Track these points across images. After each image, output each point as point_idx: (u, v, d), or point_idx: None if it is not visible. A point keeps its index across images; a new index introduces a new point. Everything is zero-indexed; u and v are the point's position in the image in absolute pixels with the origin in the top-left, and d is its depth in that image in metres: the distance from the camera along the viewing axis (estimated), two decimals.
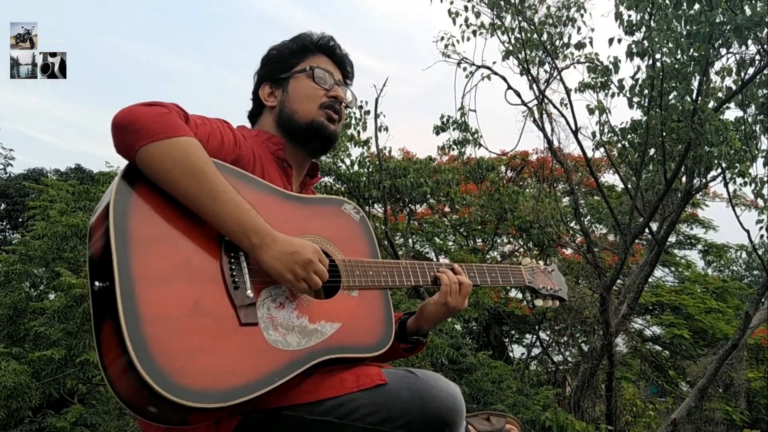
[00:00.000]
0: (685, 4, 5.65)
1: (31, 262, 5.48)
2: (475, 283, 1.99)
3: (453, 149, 8.58)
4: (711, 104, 6.27)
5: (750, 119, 6.42)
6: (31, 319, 5.09)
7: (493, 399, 6.83)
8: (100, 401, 5.21)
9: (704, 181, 7.25)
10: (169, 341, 1.32)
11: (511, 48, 7.39)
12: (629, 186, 7.68)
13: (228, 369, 1.37)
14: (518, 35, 7.34)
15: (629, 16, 6.21)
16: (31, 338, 4.97)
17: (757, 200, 7.37)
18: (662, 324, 12.01)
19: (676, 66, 6.07)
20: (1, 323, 5.12)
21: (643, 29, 6.11)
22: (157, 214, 1.44)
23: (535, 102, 7.59)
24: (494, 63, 7.75)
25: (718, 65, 6.37)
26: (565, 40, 7.40)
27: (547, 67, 7.48)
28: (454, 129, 8.19)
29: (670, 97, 6.25)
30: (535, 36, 7.31)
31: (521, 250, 12.52)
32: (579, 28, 7.27)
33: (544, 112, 7.56)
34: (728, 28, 5.45)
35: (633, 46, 5.97)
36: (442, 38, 7.83)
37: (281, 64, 1.90)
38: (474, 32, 7.49)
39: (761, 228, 6.93)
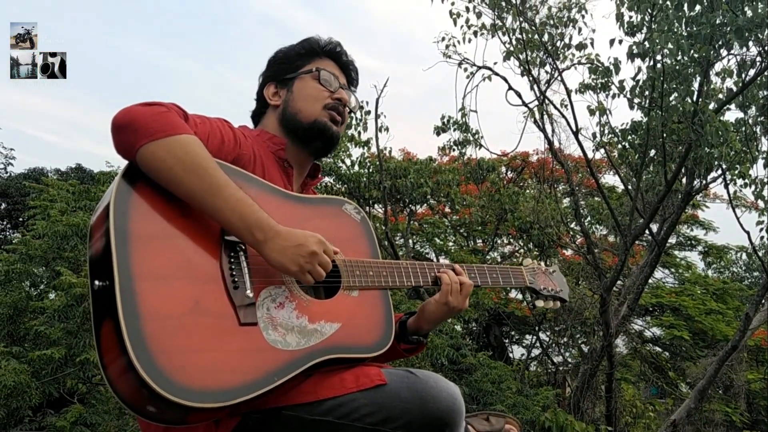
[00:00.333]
0: (686, 5, 5.65)
1: (31, 261, 5.49)
2: (476, 283, 1.99)
3: (453, 150, 8.58)
4: (712, 105, 6.27)
5: (750, 120, 6.42)
6: (32, 319, 5.10)
7: (492, 399, 6.84)
8: (100, 401, 5.21)
9: (705, 182, 7.25)
10: (169, 340, 1.32)
11: (512, 49, 7.39)
12: (629, 187, 7.68)
13: (227, 369, 1.37)
14: (519, 36, 7.34)
15: (630, 17, 6.21)
16: (31, 337, 4.98)
17: (757, 202, 7.37)
18: (662, 325, 12.00)
19: (677, 67, 6.07)
20: (2, 322, 5.13)
21: (644, 30, 6.11)
22: (157, 213, 1.44)
23: (536, 103, 7.60)
24: (495, 64, 7.75)
25: (718, 66, 6.37)
26: (566, 41, 7.40)
27: (548, 67, 7.48)
28: (454, 130, 8.20)
29: (671, 99, 6.24)
30: (536, 37, 7.31)
31: (521, 251, 12.52)
32: (580, 29, 7.28)
33: (544, 112, 7.56)
34: (729, 29, 5.44)
35: (634, 47, 5.97)
36: (443, 39, 7.84)
37: (287, 65, 1.92)
38: (475, 33, 7.49)
39: (761, 229, 6.93)
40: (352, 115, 2.22)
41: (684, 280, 13.56)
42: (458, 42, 7.74)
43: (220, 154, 1.59)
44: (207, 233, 1.50)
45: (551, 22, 7.37)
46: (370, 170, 9.63)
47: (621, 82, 6.64)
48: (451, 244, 13.19)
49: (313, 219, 1.72)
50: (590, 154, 7.59)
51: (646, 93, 6.46)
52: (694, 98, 6.12)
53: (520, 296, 11.98)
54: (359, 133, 8.42)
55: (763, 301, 7.36)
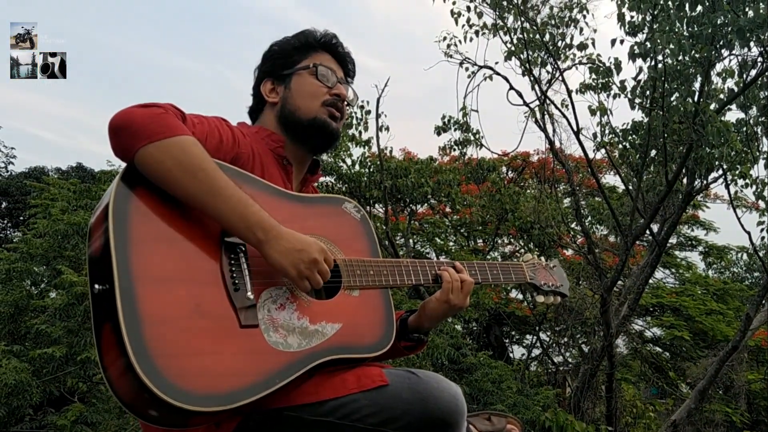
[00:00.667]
0: (687, 5, 5.64)
1: (32, 260, 5.49)
2: (477, 280, 1.98)
3: (454, 150, 8.58)
4: (713, 106, 6.26)
5: (751, 121, 6.42)
6: (33, 317, 5.10)
7: (493, 399, 6.83)
8: (101, 400, 5.21)
9: (705, 182, 7.25)
10: (170, 344, 1.31)
11: (513, 48, 7.39)
12: (630, 187, 7.68)
13: (229, 371, 1.36)
14: (520, 36, 7.34)
15: (632, 17, 6.21)
16: (32, 336, 4.98)
17: (758, 202, 7.38)
18: (663, 325, 12.00)
19: (678, 67, 6.06)
20: (3, 321, 5.13)
21: (646, 30, 6.10)
22: (156, 215, 1.43)
23: (537, 103, 7.60)
24: (496, 63, 7.74)
25: (719, 67, 6.37)
26: (568, 41, 7.41)
27: (549, 67, 7.48)
28: (455, 129, 8.19)
29: (672, 99, 6.24)
30: (537, 37, 7.30)
31: (522, 250, 12.51)
32: (581, 29, 7.28)
33: (545, 112, 7.55)
34: (730, 29, 5.44)
35: (635, 47, 5.96)
36: (445, 38, 7.83)
37: (284, 60, 1.89)
38: (476, 32, 7.48)
39: (762, 230, 6.93)
40: (353, 113, 2.21)
41: (684, 280, 13.56)
42: (459, 41, 7.75)
43: (219, 153, 1.58)
44: (207, 235, 1.49)
45: (552, 21, 7.37)
46: (371, 170, 9.63)
47: (622, 82, 6.65)
48: (451, 243, 13.19)
49: (313, 218, 1.71)
50: (591, 154, 7.60)
51: (647, 93, 6.46)
52: (696, 98, 6.12)
53: (520, 296, 11.99)
54: (360, 132, 8.41)
55: (764, 301, 7.36)
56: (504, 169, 12.77)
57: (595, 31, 7.23)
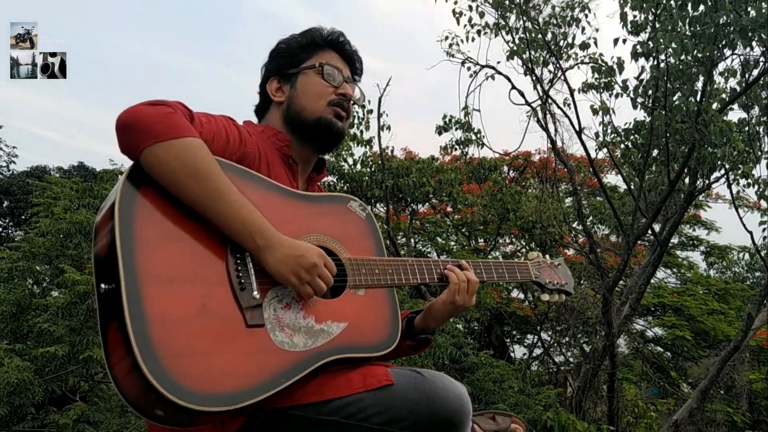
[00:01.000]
0: (690, 5, 5.64)
1: (34, 258, 5.49)
2: (482, 279, 1.98)
3: (455, 149, 8.57)
4: (715, 105, 6.25)
5: (753, 121, 6.41)
6: (35, 316, 5.10)
7: (494, 398, 6.83)
8: (102, 399, 5.22)
9: (707, 182, 7.24)
10: (176, 344, 1.31)
11: (515, 48, 7.38)
12: (632, 187, 7.67)
13: (235, 371, 1.36)
14: (522, 35, 7.32)
15: (634, 16, 6.20)
16: (34, 335, 4.98)
17: (760, 202, 7.37)
18: (664, 325, 11.99)
19: (681, 67, 6.06)
20: (5, 320, 5.13)
21: (648, 30, 6.09)
22: (162, 214, 1.43)
23: (539, 102, 7.58)
24: (498, 63, 7.72)
25: (722, 66, 6.36)
26: (570, 40, 7.38)
27: (551, 67, 7.46)
28: (456, 129, 8.18)
29: (675, 98, 6.23)
30: (539, 36, 7.29)
31: (523, 250, 12.51)
32: (583, 29, 7.25)
33: (547, 112, 7.54)
34: (733, 29, 5.44)
35: (638, 46, 5.95)
36: (446, 38, 7.82)
37: (290, 58, 1.89)
38: (478, 32, 7.47)
39: (764, 229, 6.92)
40: (354, 112, 2.20)
41: (686, 280, 13.55)
42: (461, 41, 7.73)
43: (226, 153, 1.58)
44: (213, 235, 1.48)
45: (554, 21, 7.36)
46: (372, 169, 9.63)
47: (624, 81, 6.63)
48: (452, 243, 13.18)
49: (319, 216, 1.71)
50: (593, 154, 7.59)
51: (650, 92, 6.45)
52: (698, 98, 6.11)
53: (521, 296, 11.98)
54: (361, 132, 8.41)
55: (765, 301, 7.34)
56: (505, 168, 12.77)
57: (597, 30, 7.27)
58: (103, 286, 1.34)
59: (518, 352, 13.32)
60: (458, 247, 12.77)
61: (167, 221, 1.44)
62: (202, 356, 1.34)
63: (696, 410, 7.59)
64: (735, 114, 6.95)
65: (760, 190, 6.59)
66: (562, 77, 7.39)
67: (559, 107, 7.51)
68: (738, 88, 6.26)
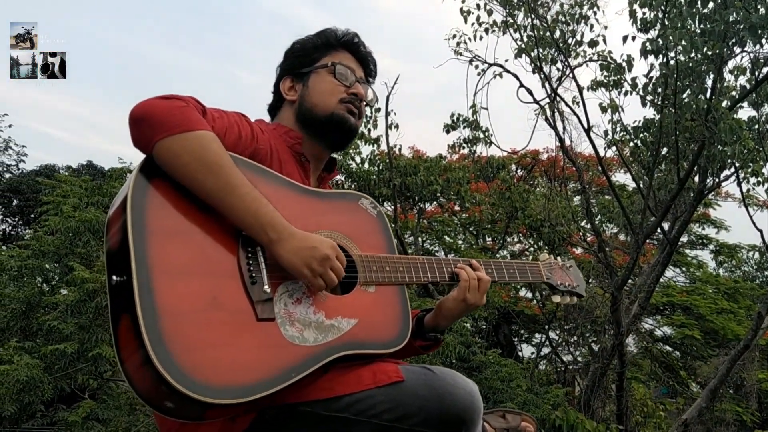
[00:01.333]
0: (699, 2, 5.61)
1: (44, 257, 5.52)
2: (493, 279, 1.97)
3: (463, 147, 8.55)
4: (725, 103, 6.22)
5: (764, 118, 6.37)
6: (44, 314, 5.12)
7: (503, 397, 6.82)
8: (111, 396, 5.24)
9: (717, 180, 7.20)
10: (187, 336, 1.31)
11: (523, 46, 7.36)
12: (641, 185, 7.64)
13: (245, 364, 1.36)
14: (531, 33, 7.30)
15: (643, 13, 6.17)
16: (43, 332, 5.00)
17: None
18: (673, 324, 11.96)
19: (690, 64, 6.03)
20: (14, 318, 5.16)
21: (657, 27, 6.07)
22: (174, 208, 1.44)
23: (547, 100, 7.56)
24: (506, 61, 7.70)
25: (731, 64, 6.32)
26: (578, 37, 7.36)
27: (559, 65, 7.44)
28: (464, 127, 8.16)
29: (684, 96, 6.20)
30: (547, 34, 7.27)
31: (531, 249, 12.48)
32: (592, 26, 7.23)
33: (556, 110, 7.52)
34: (742, 26, 5.41)
35: (647, 43, 5.93)
36: (454, 36, 7.80)
37: (303, 58, 1.89)
38: (486, 30, 7.45)
39: None
40: (368, 109, 2.20)
41: (695, 279, 13.49)
42: (469, 39, 7.71)
43: (237, 148, 1.58)
44: (224, 228, 1.49)
45: (563, 18, 7.33)
46: (380, 168, 9.63)
47: (633, 79, 6.61)
48: (460, 242, 13.17)
49: (330, 213, 1.71)
50: (602, 152, 7.56)
51: (659, 90, 6.42)
52: (708, 96, 6.08)
53: (529, 295, 11.96)
54: (369, 130, 8.41)
55: None
56: (513, 167, 12.74)
57: (605, 27, 7.19)
58: (114, 278, 1.34)
59: (526, 351, 13.31)
60: (466, 245, 12.76)
61: (179, 214, 1.44)
62: (212, 349, 1.33)
63: (705, 409, 7.55)
64: (745, 112, 6.89)
65: None
66: (571, 75, 7.37)
67: (567, 105, 7.49)
68: (748, 86, 6.22)
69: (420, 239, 12.15)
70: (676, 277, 13.66)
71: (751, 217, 7.04)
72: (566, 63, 7.35)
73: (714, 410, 9.10)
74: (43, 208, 6.08)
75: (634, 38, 6.11)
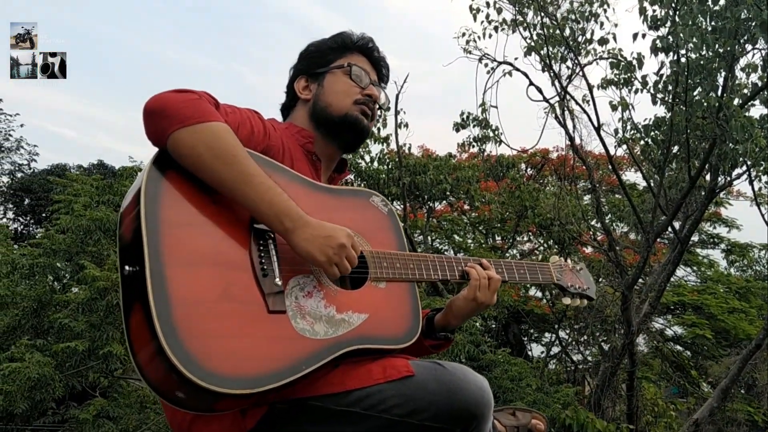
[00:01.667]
0: None
1: (55, 255, 5.55)
2: (504, 279, 1.98)
3: (473, 146, 8.54)
4: (736, 101, 6.18)
5: None
6: (55, 312, 5.15)
7: (512, 396, 6.80)
8: (122, 394, 5.27)
9: (729, 179, 7.15)
10: (198, 326, 1.32)
11: (532, 44, 7.34)
12: (652, 184, 7.60)
13: (256, 355, 1.37)
14: (540, 31, 7.28)
15: (653, 11, 6.14)
16: (55, 330, 5.03)
17: None
18: (684, 324, 11.89)
19: (701, 62, 5.99)
20: (26, 316, 5.19)
21: (668, 24, 6.03)
22: (187, 200, 1.45)
23: (557, 98, 7.53)
24: (516, 59, 7.69)
25: (743, 61, 6.27)
26: (588, 35, 7.32)
27: (569, 63, 7.41)
28: (474, 126, 8.15)
29: (695, 94, 6.16)
30: (557, 32, 7.25)
31: (541, 248, 12.45)
32: (602, 24, 7.19)
33: (566, 108, 7.49)
34: (754, 24, 5.37)
35: (657, 41, 5.89)
36: (463, 34, 7.79)
37: (319, 59, 1.92)
38: (495, 28, 7.44)
39: None
40: (380, 111, 2.22)
41: (706, 278, 13.41)
42: (478, 38, 7.70)
43: (250, 144, 1.59)
44: (237, 221, 1.50)
45: (573, 16, 7.30)
46: (390, 167, 9.63)
47: (644, 77, 6.58)
48: (470, 241, 13.15)
49: (341, 210, 1.72)
50: (612, 151, 7.53)
51: (670, 88, 6.38)
52: (719, 93, 6.03)
53: (539, 294, 11.92)
54: (378, 129, 8.42)
55: None
56: (523, 165, 12.71)
57: (616, 25, 7.15)
58: (127, 268, 1.35)
59: (536, 350, 13.27)
60: (475, 244, 12.74)
61: (192, 206, 1.45)
62: (224, 339, 1.34)
63: (716, 409, 7.51)
64: (757, 110, 6.84)
65: None
66: (581, 73, 7.34)
67: (577, 103, 7.46)
68: (759, 83, 6.18)
69: (429, 238, 12.14)
70: (687, 277, 13.59)
71: (763, 215, 7.00)
72: (576, 61, 7.33)
73: (725, 410, 9.06)
74: (54, 206, 6.11)
75: (644, 36, 6.09)
